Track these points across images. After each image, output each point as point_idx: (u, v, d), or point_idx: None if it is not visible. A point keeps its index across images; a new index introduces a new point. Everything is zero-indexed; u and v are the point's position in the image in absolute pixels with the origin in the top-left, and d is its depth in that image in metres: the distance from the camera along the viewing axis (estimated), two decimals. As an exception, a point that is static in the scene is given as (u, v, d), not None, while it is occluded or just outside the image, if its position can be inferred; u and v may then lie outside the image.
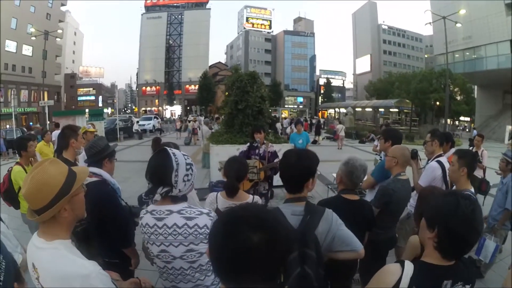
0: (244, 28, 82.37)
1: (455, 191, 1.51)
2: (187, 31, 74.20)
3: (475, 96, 43.49)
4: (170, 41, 76.58)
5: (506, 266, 4.26)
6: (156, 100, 71.99)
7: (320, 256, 1.86)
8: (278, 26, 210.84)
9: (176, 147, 2.71)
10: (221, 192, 2.77)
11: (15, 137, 15.17)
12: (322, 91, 79.57)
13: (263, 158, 5.27)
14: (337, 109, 51.71)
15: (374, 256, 2.92)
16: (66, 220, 1.42)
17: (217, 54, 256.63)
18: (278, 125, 23.70)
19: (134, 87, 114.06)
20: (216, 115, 30.86)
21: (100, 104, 68.14)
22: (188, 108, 66.01)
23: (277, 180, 5.45)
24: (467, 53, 37.60)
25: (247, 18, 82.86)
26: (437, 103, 39.23)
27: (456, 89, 40.09)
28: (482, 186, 5.68)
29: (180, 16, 76.02)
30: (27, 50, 46.26)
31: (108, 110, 61.81)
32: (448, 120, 34.21)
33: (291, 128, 22.28)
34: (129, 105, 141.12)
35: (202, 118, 23.57)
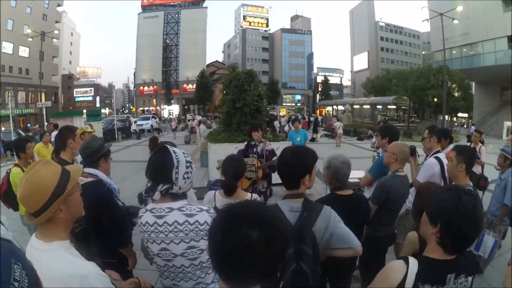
0: (241, 26, 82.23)
1: (457, 186, 1.52)
2: (184, 30, 74.04)
3: (473, 93, 43.57)
4: (167, 40, 76.41)
5: (505, 261, 4.28)
6: (154, 100, 71.85)
7: (317, 253, 1.86)
8: (275, 24, 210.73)
9: (173, 146, 2.71)
10: (219, 190, 2.77)
11: (12, 139, 15.18)
12: (319, 89, 79.46)
13: (261, 156, 5.27)
14: (335, 107, 51.69)
15: (373, 253, 2.92)
16: (63, 221, 1.42)
17: (214, 53, 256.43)
18: (276, 123, 23.70)
19: (131, 87, 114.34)
20: (215, 114, 30.80)
21: (98, 105, 68.07)
22: (186, 107, 66.04)
23: (276, 178, 5.45)
24: (465, 50, 37.57)
25: (244, 17, 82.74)
26: (435, 99, 39.23)
27: (453, 86, 40.08)
28: (481, 182, 5.68)
29: (177, 15, 75.86)
30: (23, 52, 46.08)
31: (106, 111, 61.89)
32: (446, 117, 34.18)
33: (289, 126, 22.31)
34: (127, 105, 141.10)
35: (199, 117, 23.61)
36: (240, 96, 8.90)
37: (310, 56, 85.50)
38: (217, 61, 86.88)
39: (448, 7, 27.00)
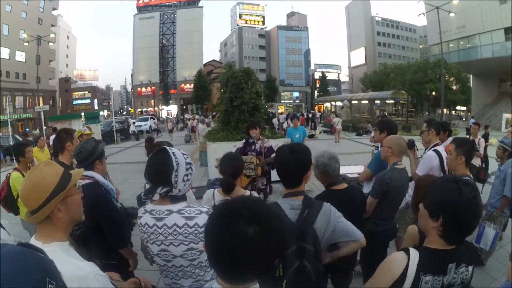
0: (237, 25, 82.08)
1: (455, 177, 1.51)
2: (180, 30, 73.83)
3: (471, 85, 43.59)
4: (163, 40, 76.20)
5: (507, 253, 4.27)
6: (152, 101, 71.78)
7: (318, 251, 1.86)
8: (271, 21, 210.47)
9: (170, 145, 2.70)
10: (218, 188, 2.78)
11: (11, 144, 15.17)
12: (317, 85, 79.48)
13: (259, 154, 5.27)
14: (333, 103, 51.73)
15: (374, 247, 2.92)
16: (61, 221, 1.42)
17: (211, 52, 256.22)
18: (275, 120, 23.71)
19: (129, 88, 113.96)
20: (213, 113, 30.74)
21: (96, 107, 68.00)
22: (184, 107, 65.88)
23: (275, 175, 5.46)
24: (462, 43, 37.57)
25: (240, 15, 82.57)
26: (433, 93, 39.22)
27: (451, 79, 40.09)
28: (480, 174, 5.69)
29: (172, 15, 75.63)
30: (20, 56, 46.01)
31: (104, 113, 61.84)
32: (445, 110, 34.19)
33: (287, 123, 22.31)
34: (125, 106, 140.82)
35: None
36: (238, 94, 8.88)
37: (307, 52, 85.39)
38: (214, 60, 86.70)
39: (444, 0, 26.99)
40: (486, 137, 9.86)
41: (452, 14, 27.45)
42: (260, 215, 0.97)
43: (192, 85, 65.92)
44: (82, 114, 25.45)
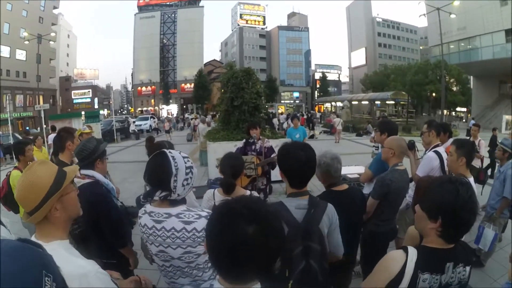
0: (238, 24, 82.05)
1: (450, 178, 1.51)
2: (181, 29, 73.79)
3: (471, 87, 43.58)
4: (164, 40, 76.16)
5: (506, 254, 4.28)
6: (152, 100, 71.70)
7: (325, 250, 1.87)
8: (272, 21, 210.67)
9: (171, 145, 2.70)
10: (218, 188, 2.76)
11: (11, 143, 15.16)
12: (318, 86, 79.43)
13: (260, 154, 5.26)
14: (333, 103, 51.65)
15: (375, 248, 2.93)
16: (60, 220, 1.42)
17: (211, 52, 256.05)
18: (275, 120, 23.71)
19: (129, 87, 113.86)
20: (213, 113, 30.69)
21: (96, 106, 67.89)
22: (184, 107, 65.90)
23: (275, 175, 5.45)
24: (462, 44, 37.56)
25: (240, 15, 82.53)
26: (433, 94, 39.27)
27: (452, 80, 40.15)
28: (480, 176, 5.69)
29: (173, 15, 75.60)
30: (20, 55, 46.00)
31: (104, 112, 61.76)
32: (445, 111, 34.19)
33: (287, 123, 22.32)
34: (125, 105, 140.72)
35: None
36: (238, 94, 8.88)
37: (308, 53, 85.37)
38: (214, 60, 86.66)
39: (445, 2, 26.97)
40: (494, 140, 9.83)
41: (453, 16, 27.41)
42: (260, 215, 0.98)
43: (192, 85, 65.85)
44: (82, 113, 25.42)
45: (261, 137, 5.47)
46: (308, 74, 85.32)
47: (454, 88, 41.82)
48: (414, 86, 40.47)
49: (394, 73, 51.62)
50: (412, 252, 1.47)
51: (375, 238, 2.99)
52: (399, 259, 1.47)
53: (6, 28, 42.79)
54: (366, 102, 40.78)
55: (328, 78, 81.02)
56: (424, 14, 31.12)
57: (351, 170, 6.09)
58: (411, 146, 3.89)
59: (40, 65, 41.64)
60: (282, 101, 69.87)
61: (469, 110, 45.31)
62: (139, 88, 76.03)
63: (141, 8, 77.62)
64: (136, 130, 28.49)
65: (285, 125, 23.49)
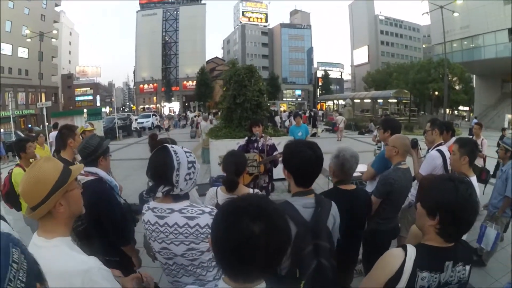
0: (240, 22, 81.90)
1: (450, 176, 1.52)
2: (183, 27, 73.72)
3: (474, 86, 43.43)
4: (166, 37, 76.09)
5: (508, 254, 4.28)
6: (154, 98, 71.73)
7: (333, 247, 1.87)
8: (274, 19, 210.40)
9: (174, 142, 2.69)
10: (221, 186, 2.75)
11: (13, 140, 15.20)
12: (320, 84, 79.21)
13: (262, 152, 5.26)
14: (335, 101, 51.65)
15: (376, 246, 2.92)
16: (63, 216, 1.42)
17: (214, 49, 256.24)
18: (277, 118, 23.70)
19: (131, 85, 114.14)
20: (215, 110, 30.66)
21: (98, 104, 68.09)
22: (186, 104, 65.87)
23: (277, 173, 5.46)
24: (465, 43, 37.41)
25: (243, 12, 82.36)
26: (436, 93, 39.13)
27: (454, 79, 39.96)
28: (483, 175, 5.67)
29: (175, 12, 75.51)
30: (22, 52, 45.95)
31: (106, 109, 61.86)
32: (447, 110, 34.12)
33: (289, 121, 22.30)
34: (127, 103, 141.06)
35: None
36: (241, 91, 8.87)
37: (310, 50, 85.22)
38: (216, 57, 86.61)
39: (448, 0, 26.86)
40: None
41: (456, 14, 27.33)
42: (266, 213, 0.97)
43: (194, 82, 65.90)
44: (85, 110, 25.50)
45: (263, 134, 5.47)
46: (310, 72, 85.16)
47: (457, 87, 41.64)
48: (417, 84, 40.32)
49: (397, 71, 51.45)
50: (411, 250, 1.47)
51: (377, 236, 2.99)
52: (398, 257, 1.47)
53: (8, 25, 42.73)
54: (368, 100, 40.76)
55: (330, 76, 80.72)
56: (427, 12, 31.12)
57: (353, 168, 6.06)
58: (414, 144, 3.88)
59: (42, 63, 41.76)
60: (284, 99, 69.81)
61: (472, 109, 45.18)
62: (141, 85, 76.01)
63: (143, 6, 77.57)
64: (138, 128, 28.51)
65: (287, 123, 23.47)
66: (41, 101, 32.78)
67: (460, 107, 51.47)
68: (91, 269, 1.33)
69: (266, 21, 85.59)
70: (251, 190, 2.80)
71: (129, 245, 2.59)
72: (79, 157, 4.00)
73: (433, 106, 44.98)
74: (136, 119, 33.32)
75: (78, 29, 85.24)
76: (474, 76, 42.53)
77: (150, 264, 2.55)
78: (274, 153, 5.15)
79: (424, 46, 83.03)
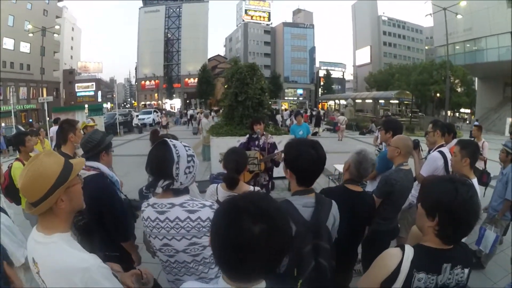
0: (243, 20, 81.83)
1: (451, 177, 1.51)
2: (185, 24, 73.67)
3: (476, 88, 43.39)
4: (168, 34, 76.01)
5: (507, 257, 4.28)
6: (156, 94, 71.76)
7: (332, 247, 1.86)
8: (277, 18, 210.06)
9: (175, 138, 2.68)
10: (221, 183, 2.74)
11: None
12: (322, 83, 79.13)
13: (263, 150, 5.25)
14: (337, 101, 51.53)
15: (376, 246, 2.91)
16: (64, 212, 1.40)
17: (216, 47, 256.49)
18: (278, 117, 23.69)
19: (133, 81, 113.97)
20: (216, 108, 30.66)
21: (100, 99, 67.98)
22: (187, 101, 65.85)
23: (277, 171, 5.46)
24: (468, 45, 37.30)
25: (245, 10, 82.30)
26: (438, 94, 39.17)
27: (456, 81, 40.04)
28: (483, 178, 5.66)
29: (178, 9, 75.42)
30: (24, 47, 45.87)
31: (108, 105, 61.76)
32: (449, 112, 34.09)
33: (291, 119, 22.30)
34: (129, 99, 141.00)
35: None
36: (242, 89, 8.88)
37: (312, 50, 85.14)
38: (218, 55, 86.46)
39: (452, 2, 26.79)
40: None
41: (459, 16, 27.25)
42: (267, 212, 0.95)
43: (196, 80, 65.90)
44: (86, 106, 25.47)
45: (264, 132, 5.46)
46: (312, 71, 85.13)
47: (459, 89, 41.69)
48: (419, 86, 40.40)
49: (399, 72, 51.54)
50: (409, 250, 1.46)
51: (376, 236, 2.99)
52: (395, 256, 1.47)
53: (10, 20, 42.70)
54: (370, 101, 40.66)
55: (332, 76, 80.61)
56: (430, 14, 30.96)
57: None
58: (416, 145, 3.88)
59: (44, 58, 41.62)
60: (286, 98, 69.84)
61: (473, 111, 45.17)
62: (143, 82, 75.99)
63: (146, 2, 77.49)
64: (139, 124, 28.51)
65: (288, 122, 23.46)
66: (42, 96, 32.87)
67: (462, 110, 51.46)
68: (90, 266, 1.32)
69: (269, 19, 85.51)
70: (251, 188, 2.79)
71: (129, 241, 2.59)
72: (80, 152, 4.01)
73: (434, 108, 44.99)
74: (137, 115, 33.30)
75: (80, 24, 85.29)
76: (476, 78, 42.48)
77: (150, 260, 2.54)
78: (275, 151, 5.15)
79: (426, 47, 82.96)
